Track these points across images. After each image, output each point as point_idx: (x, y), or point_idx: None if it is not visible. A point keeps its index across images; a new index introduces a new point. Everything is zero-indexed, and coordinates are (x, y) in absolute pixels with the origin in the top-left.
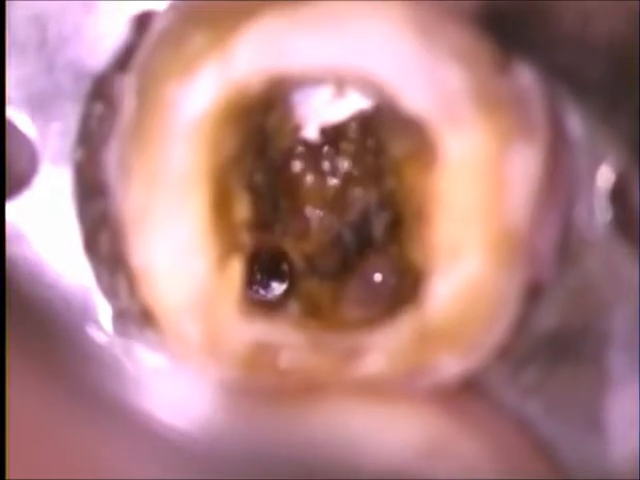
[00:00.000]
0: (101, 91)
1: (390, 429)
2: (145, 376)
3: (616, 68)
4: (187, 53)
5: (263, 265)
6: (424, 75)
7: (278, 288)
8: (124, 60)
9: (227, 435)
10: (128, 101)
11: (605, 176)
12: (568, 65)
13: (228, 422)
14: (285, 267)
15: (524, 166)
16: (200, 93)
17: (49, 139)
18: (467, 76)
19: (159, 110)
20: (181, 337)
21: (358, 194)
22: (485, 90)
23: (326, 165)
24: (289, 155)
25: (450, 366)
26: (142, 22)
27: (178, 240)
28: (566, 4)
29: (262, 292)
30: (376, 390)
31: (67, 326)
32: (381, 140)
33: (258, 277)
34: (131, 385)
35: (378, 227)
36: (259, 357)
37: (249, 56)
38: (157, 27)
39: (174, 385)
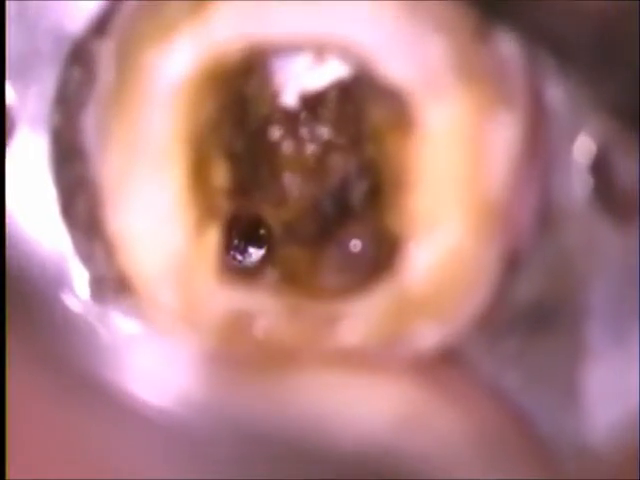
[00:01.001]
0: (80, 55)
1: (367, 401)
2: (122, 350)
3: (600, 38)
4: (164, 20)
5: (241, 231)
6: (405, 45)
7: (256, 254)
8: (103, 25)
9: (205, 410)
10: (106, 66)
11: (585, 147)
12: (551, 33)
13: (206, 397)
14: (263, 233)
15: (503, 136)
16: (178, 60)
17: (27, 103)
18: (448, 46)
19: (137, 77)
20: (158, 304)
21: (337, 161)
22: (466, 60)
23: (305, 132)
24: (268, 121)
25: (428, 335)
26: None
27: (156, 206)
28: None
29: (239, 258)
30: (353, 361)
31: (42, 292)
32: (361, 107)
33: (235, 242)
34: (107, 359)
35: (357, 195)
36: (236, 325)
37: (228, 23)
38: None
39: (151, 359)
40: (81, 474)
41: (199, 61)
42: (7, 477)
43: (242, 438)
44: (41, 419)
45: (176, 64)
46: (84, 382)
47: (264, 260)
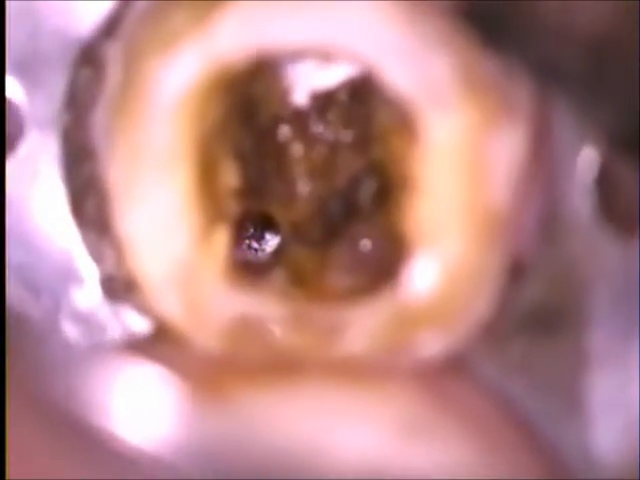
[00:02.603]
0: (88, 57)
1: (370, 410)
2: (109, 393)
3: (598, 58)
4: (170, 29)
5: (254, 222)
6: (409, 56)
7: (272, 241)
8: (111, 28)
9: (191, 452)
10: (114, 69)
11: (590, 160)
12: (550, 55)
13: (192, 438)
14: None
15: (507, 148)
16: (183, 68)
17: (36, 104)
18: (452, 59)
19: (145, 81)
20: (164, 307)
21: (345, 161)
22: (470, 73)
23: (314, 131)
24: (277, 121)
25: (432, 344)
26: None
27: (163, 209)
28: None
29: (255, 246)
30: (358, 368)
31: (53, 291)
32: (369, 108)
33: (251, 232)
34: (95, 402)
35: (365, 195)
36: (242, 330)
37: (232, 33)
38: (142, 1)
39: (137, 402)
40: None
41: (206, 68)
42: (7, 477)
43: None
44: (31, 463)
45: (183, 70)
46: (71, 425)
47: (272, 261)
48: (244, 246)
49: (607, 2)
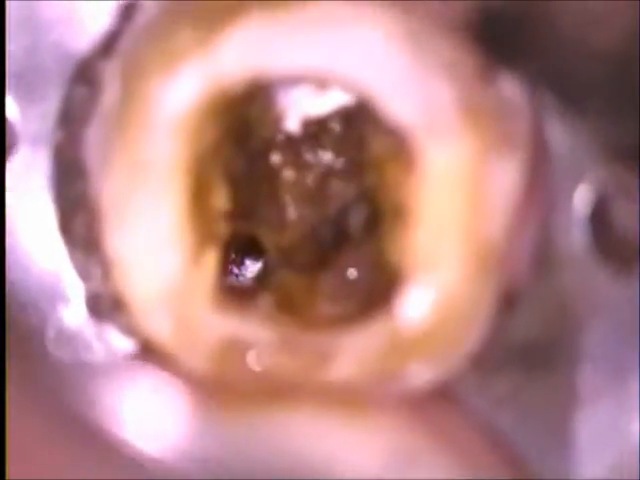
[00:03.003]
0: (84, 75)
1: (359, 439)
2: (117, 396)
3: (617, 73)
4: (171, 49)
5: (238, 247)
6: (409, 85)
7: (252, 267)
8: (109, 46)
9: (198, 459)
10: (111, 87)
11: (586, 194)
12: (568, 70)
13: (199, 445)
14: (259, 250)
15: (504, 179)
16: (183, 89)
17: (30, 120)
18: (453, 88)
19: (141, 103)
20: (152, 327)
21: (337, 188)
22: (470, 102)
23: (306, 157)
24: (270, 145)
25: (421, 374)
26: (128, 10)
27: (154, 230)
28: (558, 14)
29: (236, 271)
30: (346, 396)
31: (39, 309)
32: (362, 135)
33: (233, 257)
34: (103, 406)
35: (356, 222)
36: (230, 353)
37: (234, 55)
38: (143, 18)
39: (145, 407)
40: None
41: (204, 90)
42: (7, 477)
43: None
44: (38, 464)
45: (181, 92)
46: (78, 428)
47: (260, 286)
48: (227, 272)
49: (623, 17)
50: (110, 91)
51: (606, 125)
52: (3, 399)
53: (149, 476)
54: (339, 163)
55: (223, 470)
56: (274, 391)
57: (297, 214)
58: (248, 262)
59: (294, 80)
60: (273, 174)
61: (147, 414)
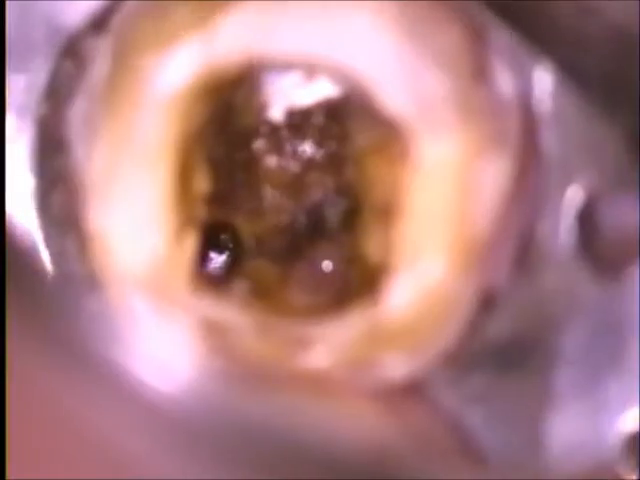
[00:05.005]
0: (73, 49)
1: (333, 427)
2: (129, 333)
3: (615, 62)
4: (169, 26)
5: (215, 233)
6: (405, 76)
7: (227, 253)
8: (101, 22)
9: (208, 400)
10: (100, 63)
11: (574, 195)
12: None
13: (209, 387)
14: (225, 238)
15: (493, 175)
16: (178, 67)
17: (16, 92)
18: (448, 81)
19: (134, 79)
20: (129, 307)
21: (316, 179)
22: (464, 97)
23: (288, 147)
24: (252, 133)
25: (396, 366)
26: None
27: (137, 209)
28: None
29: (211, 256)
30: (320, 383)
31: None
32: (345, 128)
33: (209, 241)
34: (114, 341)
35: (333, 215)
36: (207, 337)
37: (232, 36)
38: None
39: (158, 345)
40: (80, 458)
41: (197, 71)
42: (7, 477)
43: (243, 432)
44: (42, 400)
45: (175, 71)
46: (88, 363)
47: (233, 271)
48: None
49: (624, 6)
50: (99, 67)
51: (600, 123)
52: (3, 398)
53: (156, 413)
54: (320, 155)
55: (233, 412)
56: (252, 376)
57: (274, 203)
58: (223, 247)
59: (285, 66)
60: (253, 161)
61: (160, 351)
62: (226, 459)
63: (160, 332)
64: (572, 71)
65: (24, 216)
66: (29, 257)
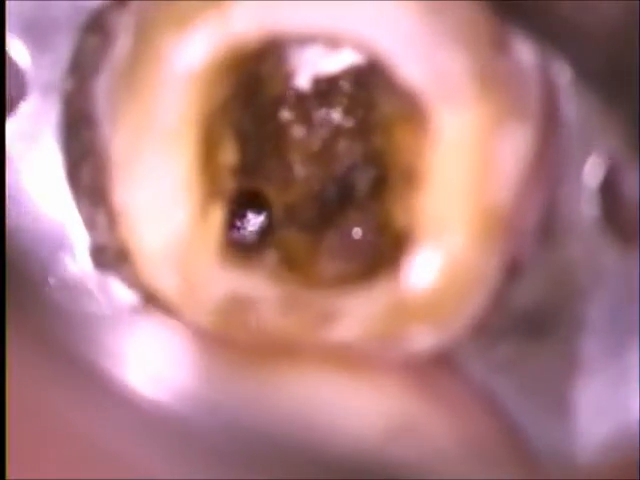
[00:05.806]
0: (96, 25)
1: (358, 401)
2: (120, 339)
3: (613, 56)
4: (186, 6)
5: (243, 203)
6: (422, 49)
7: (254, 221)
8: None
9: (201, 404)
10: (124, 38)
11: (596, 165)
12: (565, 52)
13: (202, 390)
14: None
15: (514, 146)
16: (196, 47)
17: (41, 68)
18: (466, 54)
19: (153, 59)
20: (157, 280)
21: (345, 148)
22: (483, 69)
23: (315, 116)
24: (279, 103)
25: (423, 338)
26: None
27: (162, 183)
28: None
29: (238, 224)
30: (348, 358)
31: (42, 256)
32: (373, 95)
33: (238, 211)
34: (106, 348)
35: (362, 183)
36: (234, 309)
37: (247, 13)
38: None
39: (148, 351)
40: (73, 463)
41: (217, 48)
42: (7, 477)
43: (236, 434)
44: (36, 405)
45: (194, 49)
46: (80, 370)
47: (264, 242)
48: (232, 227)
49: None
50: (122, 43)
51: (620, 95)
52: (3, 399)
53: (148, 418)
54: (348, 123)
55: (226, 417)
56: (277, 349)
57: (303, 172)
58: (252, 217)
59: (306, 39)
60: (281, 131)
61: (150, 359)
62: (219, 460)
63: (155, 338)
64: (585, 47)
65: (55, 190)
66: (28, 259)
